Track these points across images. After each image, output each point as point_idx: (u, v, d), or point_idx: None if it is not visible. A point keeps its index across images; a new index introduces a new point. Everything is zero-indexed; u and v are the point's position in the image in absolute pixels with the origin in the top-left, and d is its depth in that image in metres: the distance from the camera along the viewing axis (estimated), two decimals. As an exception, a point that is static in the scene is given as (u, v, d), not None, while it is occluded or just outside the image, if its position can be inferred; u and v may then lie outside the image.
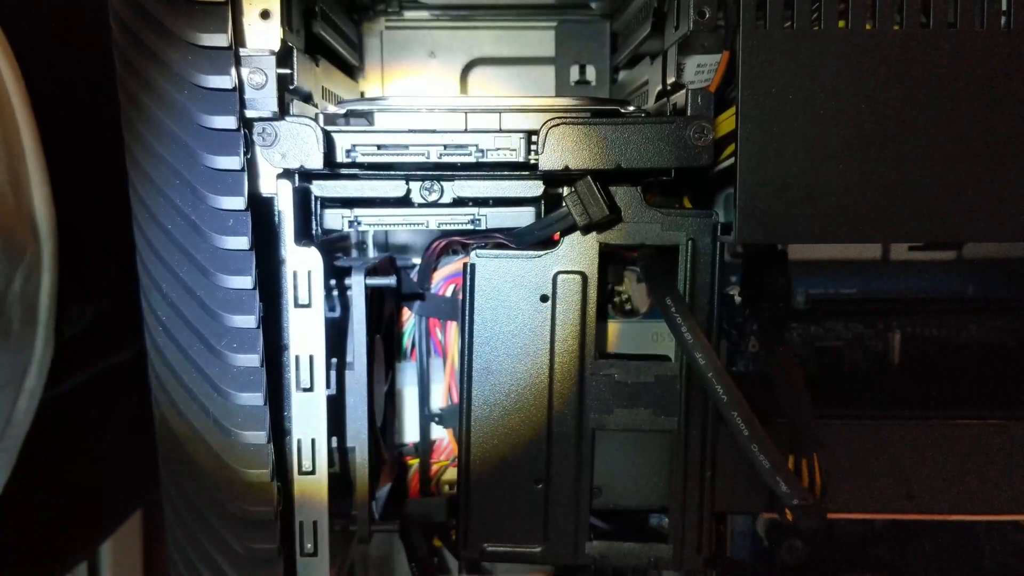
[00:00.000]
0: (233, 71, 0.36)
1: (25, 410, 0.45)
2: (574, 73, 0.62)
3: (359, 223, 0.42)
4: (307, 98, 0.45)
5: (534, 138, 0.38)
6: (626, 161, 0.38)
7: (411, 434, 0.50)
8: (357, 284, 0.42)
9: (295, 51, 0.41)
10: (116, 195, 0.41)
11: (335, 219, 0.42)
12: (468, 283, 0.41)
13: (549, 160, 0.38)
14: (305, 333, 0.39)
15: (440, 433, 0.49)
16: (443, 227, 0.43)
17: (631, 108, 0.42)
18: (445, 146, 0.38)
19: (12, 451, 0.45)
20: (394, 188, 0.41)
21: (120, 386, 0.60)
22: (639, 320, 0.45)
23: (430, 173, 0.40)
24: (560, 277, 0.41)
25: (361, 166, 0.39)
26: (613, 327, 0.45)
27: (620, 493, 0.44)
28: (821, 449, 0.43)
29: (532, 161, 0.38)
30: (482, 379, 0.42)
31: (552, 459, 0.43)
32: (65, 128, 0.47)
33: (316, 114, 0.43)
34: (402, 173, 0.40)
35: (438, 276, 0.46)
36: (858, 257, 0.58)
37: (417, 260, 0.53)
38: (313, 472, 0.40)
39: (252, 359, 0.37)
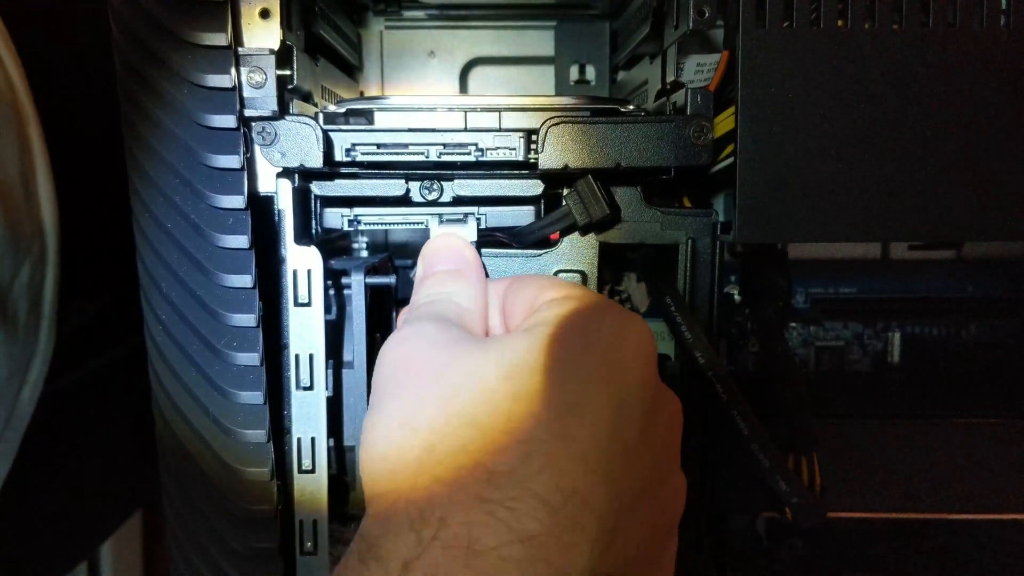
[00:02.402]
0: (232, 70, 0.36)
1: (28, 401, 0.45)
2: (574, 73, 0.63)
3: (359, 222, 0.42)
4: (307, 97, 0.45)
5: (534, 137, 0.38)
6: (626, 160, 0.38)
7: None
8: (357, 283, 0.42)
9: (295, 50, 0.41)
10: (117, 192, 0.41)
11: (335, 218, 0.42)
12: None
13: (549, 159, 0.38)
14: (305, 332, 0.39)
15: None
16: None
17: (631, 107, 0.42)
18: (445, 145, 0.38)
19: (14, 442, 0.45)
20: (394, 187, 0.41)
21: (120, 383, 0.60)
22: (639, 319, 0.45)
23: (430, 172, 0.40)
24: (560, 276, 0.41)
25: (361, 165, 0.39)
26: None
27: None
28: (821, 449, 0.43)
29: (532, 160, 0.38)
30: (482, 378, 0.42)
31: (552, 458, 0.42)
32: (65, 126, 0.47)
33: (316, 113, 0.43)
34: (402, 172, 0.40)
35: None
36: (858, 256, 0.58)
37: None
38: (313, 471, 0.40)
39: (252, 358, 0.38)
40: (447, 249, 0.37)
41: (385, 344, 0.32)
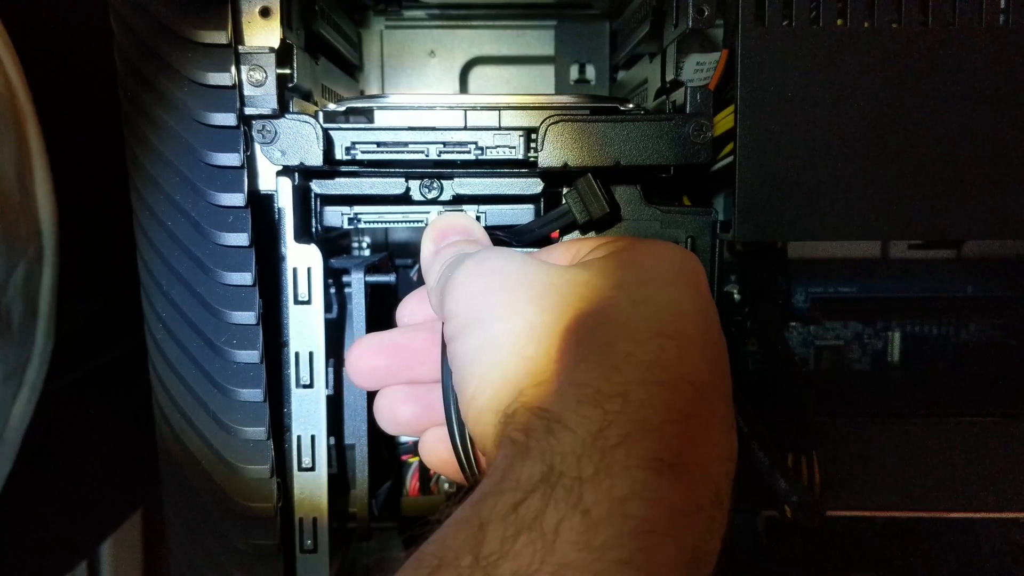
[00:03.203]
0: (233, 69, 0.36)
1: (27, 402, 0.45)
2: (574, 72, 0.63)
3: (359, 220, 0.42)
4: (307, 96, 0.45)
5: (533, 136, 0.38)
6: (625, 158, 0.38)
7: (410, 432, 0.50)
8: (357, 281, 0.42)
9: (295, 49, 0.41)
10: (113, 192, 0.41)
11: (335, 216, 0.42)
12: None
13: (548, 157, 0.38)
14: (305, 329, 0.39)
15: (440, 431, 0.49)
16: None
17: (630, 106, 0.42)
18: (445, 144, 0.39)
19: (14, 443, 0.45)
20: (394, 186, 0.41)
21: (119, 383, 0.60)
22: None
23: (430, 171, 0.41)
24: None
25: (361, 163, 0.39)
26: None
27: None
28: (821, 448, 0.43)
29: (531, 159, 0.39)
30: (481, 377, 0.42)
31: (551, 457, 0.42)
32: (64, 125, 0.47)
33: (316, 112, 0.44)
34: (402, 171, 0.40)
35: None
36: (858, 256, 0.58)
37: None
38: (313, 468, 0.40)
39: (252, 355, 0.38)
40: (457, 224, 0.37)
41: (460, 269, 0.32)
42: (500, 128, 0.39)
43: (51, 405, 0.48)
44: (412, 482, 0.50)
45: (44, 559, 0.58)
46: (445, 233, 0.36)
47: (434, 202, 0.41)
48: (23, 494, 0.48)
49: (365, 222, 0.42)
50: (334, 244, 0.52)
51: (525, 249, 0.41)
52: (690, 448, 0.26)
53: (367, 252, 0.58)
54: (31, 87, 0.44)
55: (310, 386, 0.40)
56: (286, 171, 0.39)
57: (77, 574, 0.69)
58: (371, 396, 0.43)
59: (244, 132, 0.37)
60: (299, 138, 0.38)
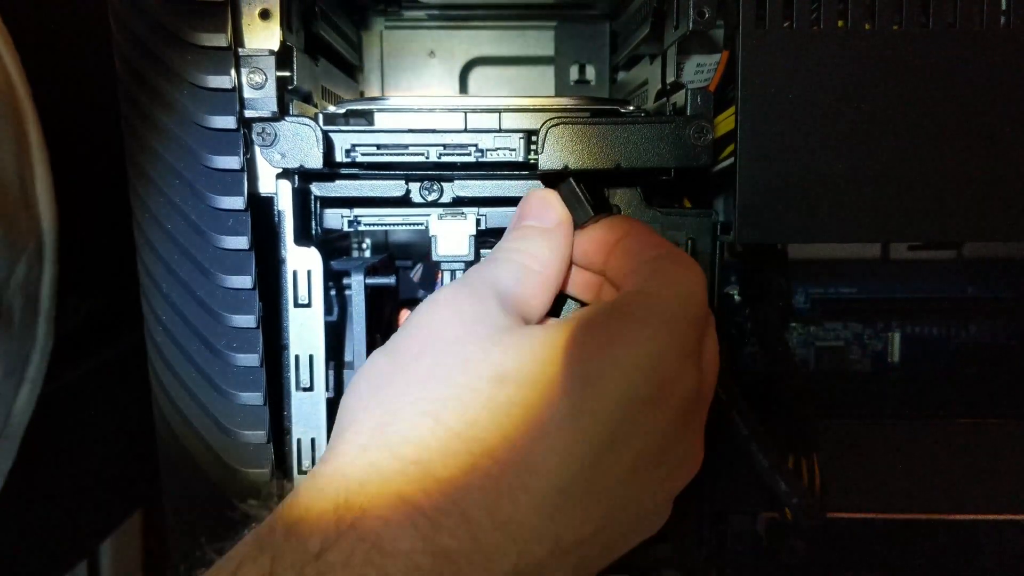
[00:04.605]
0: (232, 71, 0.36)
1: (27, 399, 0.45)
2: (574, 73, 0.62)
3: (359, 223, 0.42)
4: (307, 98, 0.45)
5: (534, 138, 0.38)
6: (626, 161, 0.38)
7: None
8: (357, 283, 0.42)
9: (295, 51, 0.41)
10: (110, 190, 0.41)
11: (335, 219, 0.42)
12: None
13: (549, 160, 0.38)
14: (305, 332, 0.39)
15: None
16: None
17: (631, 108, 0.42)
18: (445, 146, 0.38)
19: (15, 439, 0.45)
20: (394, 188, 0.41)
21: (120, 381, 0.60)
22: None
23: (430, 173, 0.40)
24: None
25: (361, 166, 0.39)
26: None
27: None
28: (821, 449, 0.43)
29: (532, 161, 0.38)
30: (482, 379, 0.42)
31: (552, 459, 0.42)
32: (63, 125, 0.47)
33: (316, 114, 0.43)
34: (402, 173, 0.40)
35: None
36: (858, 256, 0.58)
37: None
38: (313, 472, 0.40)
39: (252, 359, 0.38)
40: (542, 204, 0.37)
41: (423, 303, 0.33)
42: (500, 130, 0.39)
43: (51, 403, 0.48)
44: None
45: (44, 558, 0.58)
46: (525, 213, 0.36)
47: (434, 204, 0.41)
48: (23, 493, 0.48)
49: (365, 224, 0.42)
50: (334, 246, 0.52)
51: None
52: None
53: (368, 253, 0.58)
54: (32, 86, 0.44)
55: (310, 389, 0.40)
56: (286, 174, 0.39)
57: (77, 574, 0.69)
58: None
59: (244, 135, 0.37)
60: (299, 141, 0.37)
